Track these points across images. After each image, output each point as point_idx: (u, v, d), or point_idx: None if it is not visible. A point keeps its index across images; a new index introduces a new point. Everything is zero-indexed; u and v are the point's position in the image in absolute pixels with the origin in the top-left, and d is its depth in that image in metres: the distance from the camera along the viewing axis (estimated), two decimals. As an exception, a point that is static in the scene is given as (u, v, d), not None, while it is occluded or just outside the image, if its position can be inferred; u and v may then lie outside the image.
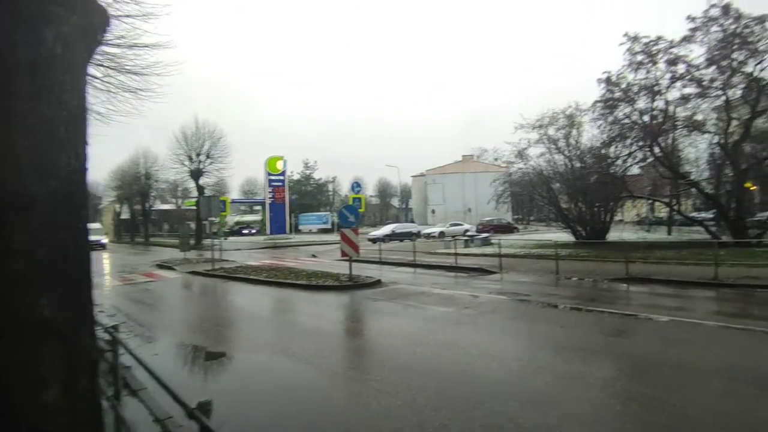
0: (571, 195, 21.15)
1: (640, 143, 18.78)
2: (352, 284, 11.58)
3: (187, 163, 34.74)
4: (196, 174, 34.40)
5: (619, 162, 19.76)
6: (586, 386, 4.50)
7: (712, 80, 16.96)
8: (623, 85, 18.45)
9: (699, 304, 8.82)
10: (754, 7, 16.45)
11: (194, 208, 29.15)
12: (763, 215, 19.87)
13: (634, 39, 17.79)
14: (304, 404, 4.53)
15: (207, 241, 25.43)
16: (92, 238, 36.69)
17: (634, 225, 22.83)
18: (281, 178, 43.48)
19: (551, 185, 22.07)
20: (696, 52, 17.07)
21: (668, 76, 17.62)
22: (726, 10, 16.15)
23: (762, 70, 16.24)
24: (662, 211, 27.84)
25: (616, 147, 19.47)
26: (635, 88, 18.23)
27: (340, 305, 9.84)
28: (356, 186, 23.22)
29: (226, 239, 34.35)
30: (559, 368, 5.11)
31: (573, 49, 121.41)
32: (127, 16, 6.46)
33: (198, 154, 34.43)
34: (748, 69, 16.42)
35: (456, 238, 21.95)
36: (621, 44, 18.09)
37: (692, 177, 19.95)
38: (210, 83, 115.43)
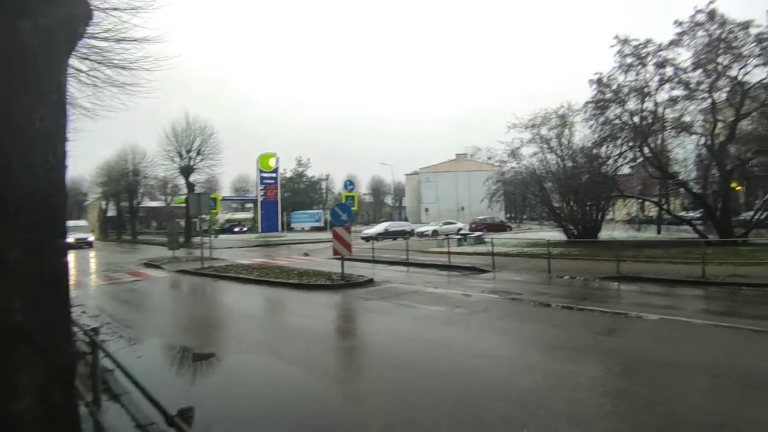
0: (563, 194, 21.28)
1: (631, 143, 18.99)
2: (345, 283, 11.51)
3: (177, 159, 34.42)
4: (186, 171, 34.05)
5: (610, 162, 19.95)
6: (576, 385, 4.50)
7: (698, 83, 17.26)
8: (614, 87, 18.64)
9: (688, 303, 8.92)
10: (745, 8, 16.77)
11: (184, 205, 28.81)
12: (747, 215, 20.21)
13: (624, 42, 17.98)
14: (293, 405, 4.47)
15: (196, 239, 25.20)
16: (78, 236, 35.69)
17: (624, 224, 23.10)
18: (273, 175, 43.18)
19: (543, 184, 22.19)
20: (683, 56, 17.40)
21: (657, 78, 17.88)
22: (711, 15, 16.45)
23: (746, 74, 16.58)
24: (652, 210, 28.17)
25: (607, 147, 19.65)
26: (625, 90, 18.44)
27: (331, 305, 9.78)
28: (349, 184, 23.20)
29: (216, 237, 34.07)
30: (549, 367, 5.11)
31: (571, 48, 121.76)
32: (115, 9, 6.32)
33: (188, 151, 34.11)
34: (733, 73, 16.75)
35: (449, 236, 21.95)
36: (611, 46, 18.32)
37: (680, 177, 20.21)
38: (204, 77, 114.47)
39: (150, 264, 18.48)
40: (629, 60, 17.99)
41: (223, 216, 56.26)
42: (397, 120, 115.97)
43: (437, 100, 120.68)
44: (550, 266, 12.78)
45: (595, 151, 19.97)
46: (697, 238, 16.85)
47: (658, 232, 24.87)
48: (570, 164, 20.89)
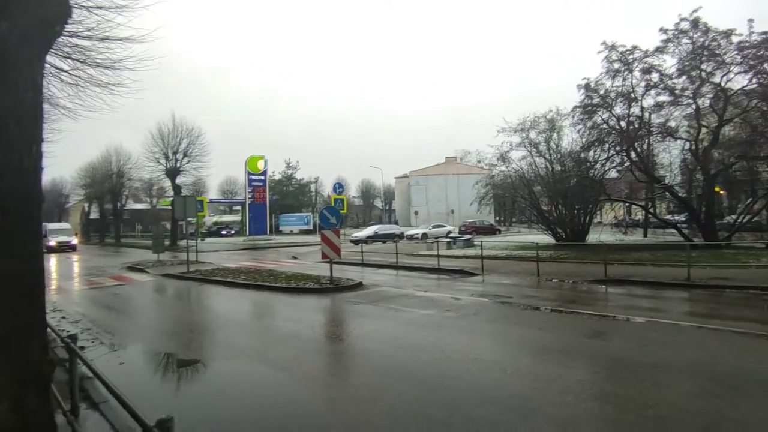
0: (552, 197, 21.49)
1: (618, 148, 19.28)
2: (333, 287, 11.42)
3: (163, 161, 33.91)
4: (172, 173, 33.57)
5: (598, 166, 20.23)
6: (565, 389, 4.50)
7: (683, 89, 17.63)
8: (601, 92, 18.90)
9: (673, 305, 9.05)
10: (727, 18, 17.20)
11: (170, 208, 28.40)
12: (730, 218, 20.61)
13: (612, 47, 18.26)
14: (280, 412, 4.40)
15: (182, 243, 24.84)
16: (61, 239, 34.99)
17: (611, 227, 23.37)
18: (262, 177, 42.96)
19: (532, 188, 22.39)
20: (669, 62, 17.76)
21: (643, 84, 18.21)
22: (695, 24, 16.81)
23: (728, 81, 16.98)
24: (638, 214, 28.56)
25: (595, 151, 19.93)
26: (613, 95, 18.73)
27: (320, 309, 9.68)
28: (338, 187, 23.06)
29: (203, 240, 33.70)
30: (538, 371, 5.11)
31: (563, 50, 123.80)
32: (99, 7, 6.19)
33: (175, 153, 33.62)
34: (716, 79, 17.12)
35: (439, 239, 22.01)
36: (599, 52, 18.59)
37: (666, 181, 20.55)
38: (192, 79, 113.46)
39: (134, 268, 18.12)
40: (616, 66, 18.31)
41: (210, 219, 55.68)
42: (387, 124, 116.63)
43: (428, 103, 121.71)
44: (539, 269, 12.86)
45: (583, 155, 20.24)
46: (683, 241, 17.14)
47: (645, 235, 25.24)
48: (558, 168, 21.13)
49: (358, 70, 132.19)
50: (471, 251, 19.03)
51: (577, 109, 19.55)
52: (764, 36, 15.65)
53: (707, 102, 17.82)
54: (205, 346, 6.96)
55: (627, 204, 24.79)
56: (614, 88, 18.61)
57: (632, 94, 18.32)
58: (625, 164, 20.39)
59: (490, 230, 37.38)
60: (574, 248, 17.83)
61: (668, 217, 24.19)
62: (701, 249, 14.99)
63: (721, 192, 22.67)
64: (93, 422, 3.15)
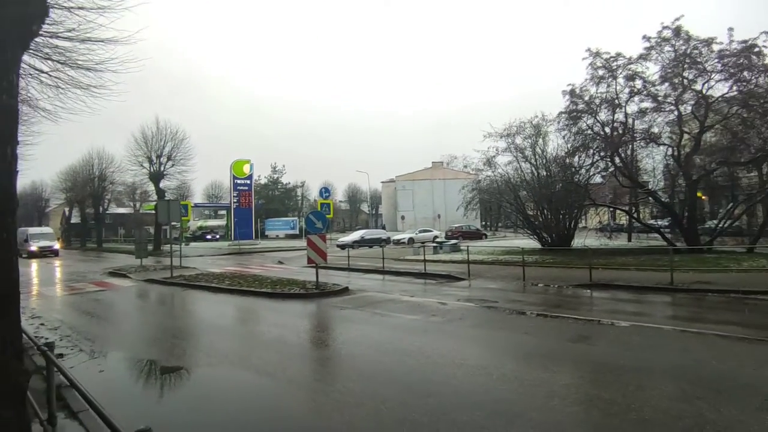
0: (537, 202, 21.68)
1: (602, 153, 19.57)
2: (319, 292, 11.33)
3: (146, 165, 33.42)
4: (156, 176, 33.08)
5: (583, 171, 20.49)
6: (550, 393, 4.52)
7: (665, 96, 17.97)
8: (586, 98, 19.19)
9: (657, 309, 9.19)
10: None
11: (153, 212, 27.94)
12: (712, 223, 21.07)
13: (596, 54, 18.57)
14: (264, 417, 4.34)
15: (166, 247, 24.43)
16: (43, 243, 34.13)
17: (596, 232, 23.68)
18: (248, 182, 42.54)
19: (518, 193, 22.56)
20: (652, 69, 18.12)
21: (627, 90, 18.54)
22: (677, 32, 17.21)
23: (709, 88, 17.40)
24: (623, 219, 29.01)
25: (580, 156, 20.17)
26: (597, 101, 19.00)
27: (305, 314, 9.59)
28: (325, 191, 22.99)
29: (187, 245, 33.19)
30: (524, 376, 5.12)
31: (556, 54, 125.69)
32: (80, 8, 6.06)
33: (159, 156, 33.18)
34: (698, 87, 17.53)
35: (425, 244, 22.02)
36: (584, 59, 18.88)
37: (649, 186, 20.92)
38: (176, 82, 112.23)
39: (116, 273, 17.74)
40: (601, 72, 18.60)
41: (195, 223, 54.97)
42: (373, 128, 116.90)
43: (413, 108, 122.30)
44: (525, 274, 12.94)
45: (568, 160, 20.48)
46: (666, 245, 17.45)
47: (629, 239, 25.66)
48: (544, 173, 21.34)
49: (345, 72, 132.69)
50: (457, 256, 19.10)
51: (563, 115, 19.81)
52: (744, 45, 16.07)
53: (689, 109, 18.20)
54: (189, 353, 6.83)
55: (611, 209, 25.19)
56: (599, 95, 18.93)
57: (616, 101, 18.63)
58: (610, 170, 20.73)
59: (477, 235, 37.63)
60: (560, 253, 18.02)
61: (652, 221, 24.61)
62: (684, 253, 15.29)
63: (703, 197, 23.20)
64: (71, 431, 3.05)
